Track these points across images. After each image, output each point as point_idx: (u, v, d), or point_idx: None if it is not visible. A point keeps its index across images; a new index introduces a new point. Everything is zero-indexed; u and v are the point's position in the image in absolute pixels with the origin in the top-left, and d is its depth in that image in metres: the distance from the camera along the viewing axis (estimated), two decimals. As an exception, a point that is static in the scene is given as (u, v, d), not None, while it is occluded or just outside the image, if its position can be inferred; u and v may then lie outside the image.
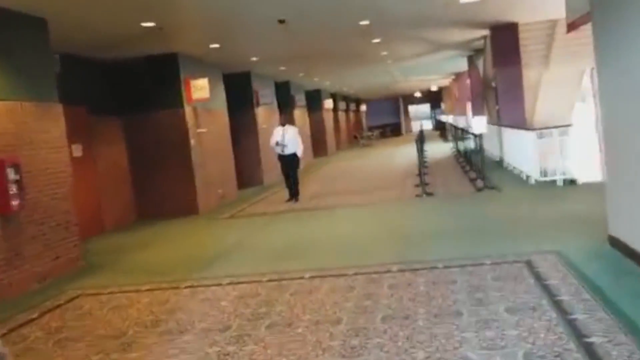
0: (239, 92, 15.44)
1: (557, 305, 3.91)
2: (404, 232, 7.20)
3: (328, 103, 26.59)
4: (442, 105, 40.92)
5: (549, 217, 6.91)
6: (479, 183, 10.39)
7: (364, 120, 41.65)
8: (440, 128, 32.58)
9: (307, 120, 22.86)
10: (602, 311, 3.70)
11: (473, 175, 11.78)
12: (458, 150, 17.33)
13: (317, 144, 24.70)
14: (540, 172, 9.19)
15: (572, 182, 8.91)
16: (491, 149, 13.95)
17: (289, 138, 10.52)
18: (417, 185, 11.25)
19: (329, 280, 5.31)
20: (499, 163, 12.97)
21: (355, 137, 33.11)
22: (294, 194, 10.92)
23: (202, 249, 7.84)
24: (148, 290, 5.78)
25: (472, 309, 4.05)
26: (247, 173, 15.40)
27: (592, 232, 5.77)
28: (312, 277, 5.47)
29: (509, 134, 11.55)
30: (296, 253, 6.75)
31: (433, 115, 43.37)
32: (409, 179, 12.89)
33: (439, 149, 21.26)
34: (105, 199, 10.45)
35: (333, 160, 22.12)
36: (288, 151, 10.53)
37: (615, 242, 5.13)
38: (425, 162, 15.21)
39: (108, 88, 11.02)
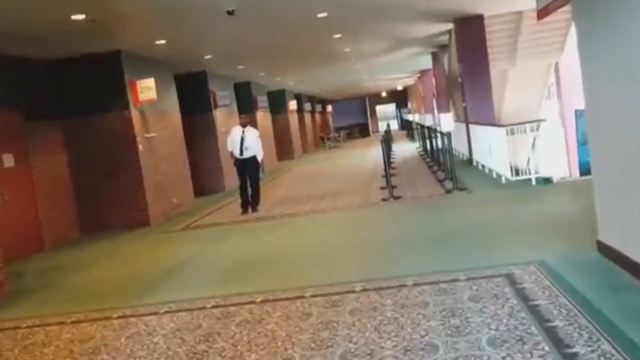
0: (194, 93, 14.59)
1: (550, 334, 3.26)
2: (370, 243, 6.51)
3: (292, 104, 25.83)
4: (408, 105, 40.65)
5: (527, 221, 6.33)
6: (448, 184, 9.81)
7: (330, 121, 41.05)
8: (407, 127, 32.19)
9: (271, 122, 22.07)
10: (606, 341, 3.06)
11: (442, 175, 11.21)
12: (425, 150, 16.81)
13: (282, 146, 23.92)
14: (512, 171, 8.64)
15: (546, 180, 8.39)
16: (459, 147, 13.45)
17: (249, 140, 9.55)
18: (383, 188, 10.63)
19: (283, 305, 4.58)
20: (468, 162, 12.46)
21: (322, 139, 32.44)
22: (252, 203, 9.91)
23: (147, 268, 7.00)
24: (74, 322, 4.94)
25: (449, 341, 3.37)
26: (206, 179, 14.54)
27: (577, 237, 5.20)
28: (264, 302, 4.73)
29: (478, 131, 11.04)
30: (250, 271, 5.99)
31: (399, 114, 43.08)
32: (376, 181, 12.25)
33: (405, 149, 20.76)
34: (44, 213, 9.47)
35: (299, 164, 21.39)
36: (248, 154, 9.52)
37: (604, 249, 4.54)
38: (392, 162, 14.64)
39: (47, 90, 10.05)
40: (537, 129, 8.49)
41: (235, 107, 17.10)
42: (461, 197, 8.51)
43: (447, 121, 8.97)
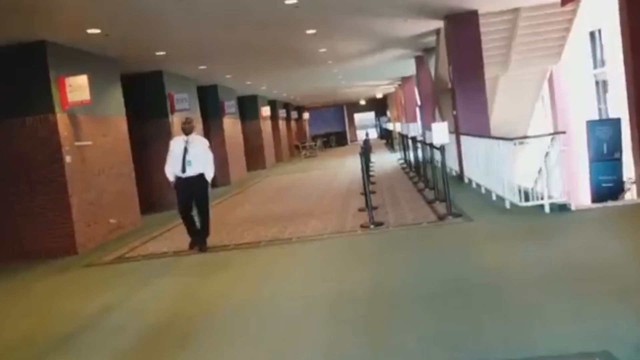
0: (148, 95, 12.80)
1: None
2: (343, 300, 4.74)
3: (265, 110, 24.11)
4: (388, 113, 39.24)
5: (560, 271, 4.65)
6: (440, 207, 8.19)
7: (307, 129, 39.40)
8: (386, 137, 30.70)
9: (240, 129, 20.30)
10: None
11: (429, 194, 9.59)
12: (407, 162, 15.23)
13: (253, 155, 22.17)
14: (521, 194, 7.04)
15: (562, 207, 6.79)
16: (440, 158, 11.77)
17: (195, 152, 7.17)
18: (362, 210, 8.95)
19: None
20: (458, 178, 10.87)
21: (297, 148, 30.75)
22: (201, 236, 7.41)
23: (35, 329, 5.04)
24: None
25: None
26: (159, 194, 12.67)
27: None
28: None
29: (472, 143, 9.46)
30: (161, 352, 4.21)
31: (378, 123, 41.65)
32: (354, 199, 10.58)
33: (385, 160, 19.17)
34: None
35: (271, 174, 19.65)
36: (192, 171, 7.13)
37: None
38: (371, 176, 13.04)
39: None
40: (552, 144, 6.91)
41: (197, 112, 15.32)
42: (459, 227, 6.86)
43: (440, 131, 7.29)
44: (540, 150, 7.43)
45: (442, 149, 7.54)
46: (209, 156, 7.39)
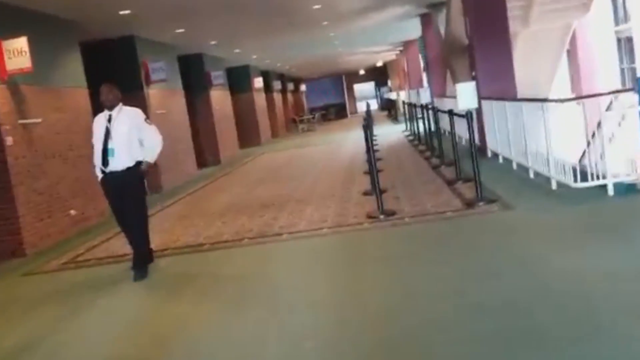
0: (117, 65, 11.12)
1: None
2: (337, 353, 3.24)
3: (258, 82, 22.41)
4: (389, 83, 37.39)
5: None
6: (465, 189, 6.65)
7: (304, 102, 37.63)
8: (388, 107, 29.00)
9: (230, 103, 18.64)
10: None
11: (447, 173, 8.04)
12: (417, 136, 13.63)
13: (246, 131, 20.53)
14: (575, 173, 5.47)
15: (631, 188, 5.23)
16: (460, 130, 10.15)
17: (120, 135, 4.91)
18: (366, 194, 7.42)
19: None
20: (479, 152, 9.27)
21: (294, 121, 29.08)
22: (136, 262, 5.14)
23: None
24: None
25: None
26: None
27: None
28: None
29: (499, 109, 7.86)
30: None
31: (379, 93, 39.81)
32: (357, 179, 9.05)
33: (389, 133, 17.55)
34: None
35: (265, 151, 18.05)
36: (117, 163, 4.93)
37: None
38: (376, 152, 11.45)
39: None
40: (611, 106, 5.35)
41: (179, 84, 13.70)
42: (496, 218, 5.31)
43: (466, 93, 5.70)
44: (588, 115, 5.86)
45: (468, 115, 5.95)
46: (150, 132, 5.16)
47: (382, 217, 5.99)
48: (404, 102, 18.14)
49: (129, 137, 4.96)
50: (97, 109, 9.30)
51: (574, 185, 5.47)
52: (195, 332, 3.69)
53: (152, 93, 11.80)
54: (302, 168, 12.09)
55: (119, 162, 4.95)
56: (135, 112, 5.18)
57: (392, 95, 27.30)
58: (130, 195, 5.05)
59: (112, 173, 4.98)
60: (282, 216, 6.94)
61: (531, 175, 6.65)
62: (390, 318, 3.41)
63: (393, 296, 3.76)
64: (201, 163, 14.84)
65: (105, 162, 4.96)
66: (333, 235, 5.65)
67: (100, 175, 5.08)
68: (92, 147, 5.17)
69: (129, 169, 4.98)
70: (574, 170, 5.54)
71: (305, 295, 4.08)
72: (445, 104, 10.47)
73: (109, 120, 5.00)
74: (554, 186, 5.90)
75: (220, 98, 17.23)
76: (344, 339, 3.22)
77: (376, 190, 6.42)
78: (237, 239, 6.08)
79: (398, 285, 3.97)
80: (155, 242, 6.42)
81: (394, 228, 5.55)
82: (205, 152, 15.64)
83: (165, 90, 12.53)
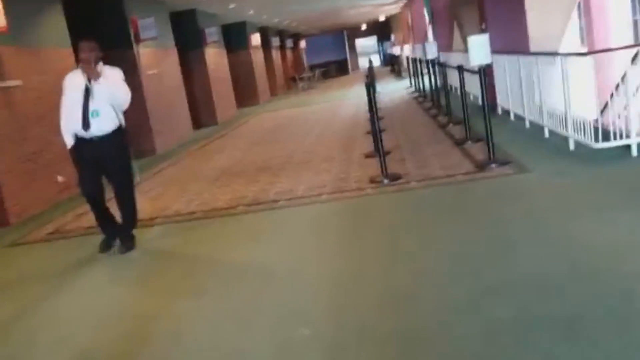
0: (104, 22, 10.51)
1: None
2: (339, 347, 2.85)
3: (255, 39, 21.63)
4: (392, 38, 36.34)
5: None
6: (476, 150, 6.21)
7: (304, 59, 36.69)
8: (392, 63, 28.18)
9: (227, 61, 17.97)
10: None
11: (456, 132, 7.58)
12: (422, 93, 13.06)
13: (243, 90, 19.93)
14: (596, 132, 5.00)
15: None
16: (468, 86, 9.53)
17: (102, 96, 4.40)
18: (368, 156, 6.99)
19: None
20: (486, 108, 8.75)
21: (294, 79, 28.34)
22: (122, 230, 4.75)
23: None
24: None
25: None
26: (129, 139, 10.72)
27: None
28: None
29: (512, 63, 7.33)
30: None
31: (381, 49, 38.79)
32: (359, 140, 8.60)
33: (393, 90, 16.96)
34: None
35: (264, 111, 17.51)
36: (101, 127, 4.43)
37: None
38: (379, 110, 10.95)
39: None
40: (637, 59, 4.84)
41: (171, 43, 13.05)
42: (511, 182, 4.87)
43: (479, 47, 5.16)
44: (610, 69, 5.36)
45: (481, 72, 5.44)
46: (122, 93, 4.53)
47: (386, 181, 5.57)
48: (408, 58, 17.47)
49: (114, 97, 4.46)
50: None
51: (594, 145, 5.01)
52: (178, 315, 3.33)
53: (143, 52, 11.21)
54: (301, 128, 11.61)
55: (104, 125, 4.44)
56: (119, 71, 4.66)
57: (396, 51, 26.48)
58: (116, 162, 4.58)
59: (93, 138, 4.44)
60: (279, 181, 6.53)
61: (546, 134, 6.19)
62: (397, 300, 3.02)
63: (399, 274, 3.36)
64: (197, 124, 14.35)
65: (86, 124, 4.39)
66: (333, 203, 5.24)
67: (72, 142, 4.52)
68: (61, 108, 4.57)
69: (114, 132, 4.49)
70: (595, 129, 5.07)
71: (301, 272, 3.68)
72: (454, 58, 9.89)
73: (89, 81, 4.42)
74: (572, 146, 5.45)
75: (215, 57, 16.58)
76: (345, 324, 2.85)
77: (379, 152, 5.98)
78: (231, 207, 5.68)
79: (405, 260, 3.57)
80: (145, 210, 6.08)
81: (400, 194, 5.13)
82: (201, 113, 15.12)
83: (156, 49, 11.92)
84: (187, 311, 3.39)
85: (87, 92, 4.40)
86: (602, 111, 6.04)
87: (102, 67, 4.53)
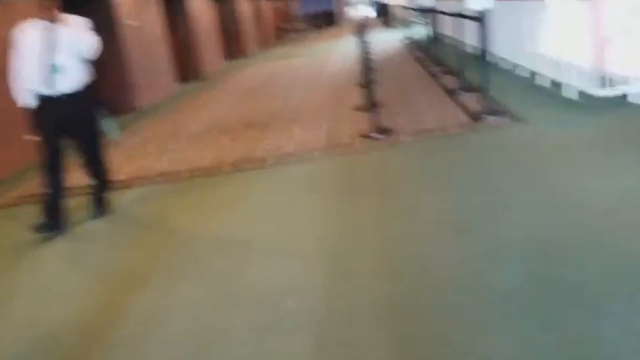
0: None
1: None
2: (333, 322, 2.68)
3: (242, -12, 20.83)
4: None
5: None
6: (470, 101, 5.94)
7: (293, 9, 35.63)
8: (383, 13, 27.41)
9: (212, 12, 17.30)
10: None
11: (451, 83, 7.28)
12: (415, 43, 12.64)
13: (232, 43, 19.32)
14: (598, 78, 4.75)
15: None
16: (460, 34, 9.19)
17: (68, 50, 3.95)
18: (359, 109, 6.71)
19: None
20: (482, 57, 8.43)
21: (283, 31, 27.57)
22: (97, 194, 4.45)
23: None
24: None
25: None
26: (105, 96, 10.33)
27: None
28: None
29: (508, 7, 6.96)
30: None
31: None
32: (350, 93, 8.28)
33: (386, 40, 16.46)
34: None
35: (252, 63, 17.00)
36: (68, 84, 3.98)
37: None
38: (370, 60, 10.55)
39: None
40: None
41: (153, -10, 12.42)
42: (506, 134, 4.64)
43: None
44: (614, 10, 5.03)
45: (482, 17, 5.12)
46: (88, 41, 4.07)
47: (377, 135, 5.33)
48: (400, 7, 16.89)
49: (79, 47, 4.01)
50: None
51: (596, 93, 4.77)
52: (150, 295, 3.11)
53: (121, 2, 10.66)
54: (291, 81, 11.23)
55: (72, 80, 4.00)
56: (81, 19, 4.17)
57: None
58: (88, 123, 4.17)
59: (60, 97, 3.96)
60: (268, 137, 6.26)
61: (542, 82, 5.93)
62: (391, 267, 2.83)
63: (394, 238, 3.16)
64: (182, 78, 13.88)
65: (50, 82, 3.92)
66: (324, 160, 4.99)
67: (30, 101, 4.00)
68: (15, 64, 3.98)
69: (85, 88, 4.09)
70: (597, 75, 4.81)
71: (288, 238, 3.47)
72: (449, 6, 9.47)
73: (50, 31, 3.92)
74: (572, 95, 5.20)
75: (200, 7, 15.92)
76: (336, 295, 2.67)
77: (371, 106, 5.71)
78: (217, 165, 5.43)
79: (399, 222, 3.36)
80: (125, 170, 5.83)
81: (393, 149, 4.90)
82: (186, 66, 14.62)
83: (136, -3, 11.36)
84: (156, 283, 3.19)
85: (50, 43, 3.92)
86: (599, 57, 5.77)
87: (64, 16, 4.05)
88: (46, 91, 3.96)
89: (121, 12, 10.50)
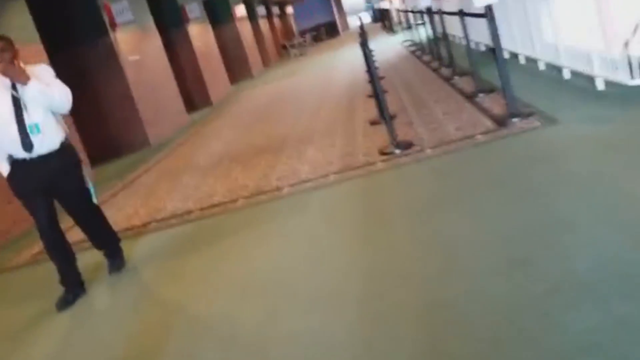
0: (73, 11, 9.86)
1: None
2: None
3: (240, 10, 20.78)
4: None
5: None
6: (490, 104, 5.61)
7: (293, 26, 35.65)
8: (382, 18, 27.20)
9: (212, 37, 17.20)
10: None
11: (465, 85, 6.96)
12: (419, 46, 12.34)
13: (236, 66, 19.23)
14: (630, 66, 4.40)
15: None
16: (464, 32, 8.76)
17: (36, 106, 3.50)
18: (374, 123, 6.42)
19: None
20: (490, 53, 8.09)
21: (285, 48, 27.48)
22: (111, 250, 4.16)
23: None
24: None
25: None
26: (117, 132, 10.24)
27: None
28: None
29: None
30: None
31: (371, 5, 37.63)
32: (360, 106, 8.01)
33: (387, 45, 16.21)
34: None
35: (258, 84, 16.85)
36: (45, 146, 3.54)
37: None
38: (376, 69, 10.25)
39: None
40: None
41: (151, 24, 12.32)
42: (542, 138, 4.24)
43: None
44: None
45: (488, 13, 4.80)
46: (60, 92, 3.58)
47: (397, 151, 5.01)
48: (398, 10, 16.63)
49: (52, 101, 3.54)
50: (57, 68, 8.28)
51: (629, 82, 4.41)
52: (172, 349, 2.85)
53: (121, 38, 10.54)
54: (298, 99, 10.99)
55: (49, 141, 3.55)
56: (45, 68, 3.77)
57: (385, 4, 25.48)
58: (72, 181, 3.75)
59: (36, 159, 3.53)
60: (280, 163, 5.98)
61: (566, 75, 5.58)
62: (432, 314, 2.49)
63: (432, 277, 2.77)
64: (190, 107, 13.74)
65: (27, 144, 3.46)
66: (342, 184, 4.69)
67: (8, 168, 3.57)
68: None
69: (62, 146, 3.64)
70: (626, 64, 4.46)
71: (309, 282, 3.13)
72: (450, 4, 9.17)
73: (14, 88, 3.46)
74: (600, 86, 4.85)
75: (200, 33, 15.83)
76: (371, 350, 2.35)
77: (385, 117, 5.40)
78: (231, 200, 5.16)
79: (436, 256, 2.98)
80: (138, 213, 5.63)
81: (415, 165, 4.57)
82: (193, 94, 14.49)
83: (135, 32, 11.24)
84: (175, 340, 2.91)
85: (17, 103, 3.44)
86: (627, 44, 5.41)
87: (23, 67, 3.53)
88: (22, 155, 3.53)
89: (122, 49, 10.38)
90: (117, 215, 5.81)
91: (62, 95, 3.57)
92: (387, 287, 2.79)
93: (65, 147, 3.69)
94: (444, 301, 2.50)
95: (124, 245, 4.60)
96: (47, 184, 3.63)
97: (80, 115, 9.11)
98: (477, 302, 2.42)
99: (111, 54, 10.13)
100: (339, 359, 2.34)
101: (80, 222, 3.93)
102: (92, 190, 3.90)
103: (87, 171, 4.02)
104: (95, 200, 3.98)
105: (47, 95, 3.51)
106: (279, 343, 2.59)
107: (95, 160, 9.12)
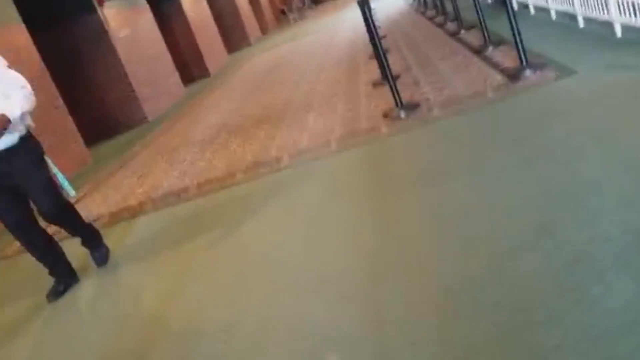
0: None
1: None
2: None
3: (234, -24, 20.11)
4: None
5: None
6: (500, 57, 5.24)
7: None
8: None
9: (206, 6, 16.68)
10: None
11: (473, 39, 6.55)
12: (421, 1, 11.82)
13: (232, 34, 18.77)
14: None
15: None
16: None
17: None
18: (376, 84, 6.07)
19: None
20: (498, 3, 7.65)
21: (283, 12, 26.78)
22: (91, 247, 3.82)
23: None
24: None
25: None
26: (112, 110, 9.96)
27: None
28: None
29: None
30: None
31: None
32: (362, 67, 7.65)
33: (389, 3, 15.61)
34: None
35: (256, 52, 16.39)
36: (3, 141, 3.18)
37: None
38: (378, 28, 9.80)
39: None
40: None
41: (142, -2, 11.87)
42: (559, 92, 3.90)
43: None
44: None
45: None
46: (17, 84, 3.18)
47: (402, 114, 4.69)
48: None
49: (8, 94, 3.14)
50: (44, 49, 7.95)
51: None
52: (164, 347, 2.62)
53: (110, 14, 10.13)
54: (298, 65, 10.59)
55: (5, 137, 3.18)
56: (1, 59, 3.31)
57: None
58: (35, 177, 3.37)
59: None
60: (280, 132, 5.68)
61: (581, 24, 5.17)
62: (454, 298, 2.22)
63: (451, 253, 2.47)
64: (188, 79, 13.39)
65: None
66: (344, 153, 4.38)
67: None
68: None
69: (23, 140, 3.29)
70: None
71: (310, 265, 2.85)
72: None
73: None
74: (618, 33, 4.46)
75: (194, 4, 15.33)
76: (385, 341, 2.11)
77: (388, 78, 5.05)
78: (229, 175, 4.89)
79: (454, 229, 2.67)
80: (134, 192, 5.40)
81: (423, 128, 4.25)
82: (190, 67, 14.12)
83: (125, 8, 10.82)
84: (165, 337, 2.68)
85: None
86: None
87: None
88: None
89: (111, 25, 9.98)
90: (114, 195, 5.60)
91: (25, 102, 3.18)
92: (399, 272, 2.51)
93: (25, 141, 3.32)
94: (460, 282, 2.23)
95: (120, 228, 4.37)
96: (7, 180, 3.31)
97: (74, 96, 8.86)
98: (497, 280, 2.15)
99: (100, 31, 9.75)
100: (345, 353, 2.10)
101: (51, 217, 3.53)
102: (65, 184, 3.58)
103: (54, 163, 3.54)
104: (72, 193, 3.68)
105: (19, 117, 3.17)
106: (280, 335, 2.35)
107: (93, 140, 8.88)
